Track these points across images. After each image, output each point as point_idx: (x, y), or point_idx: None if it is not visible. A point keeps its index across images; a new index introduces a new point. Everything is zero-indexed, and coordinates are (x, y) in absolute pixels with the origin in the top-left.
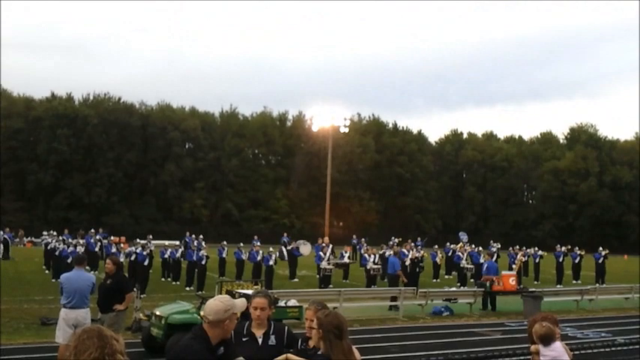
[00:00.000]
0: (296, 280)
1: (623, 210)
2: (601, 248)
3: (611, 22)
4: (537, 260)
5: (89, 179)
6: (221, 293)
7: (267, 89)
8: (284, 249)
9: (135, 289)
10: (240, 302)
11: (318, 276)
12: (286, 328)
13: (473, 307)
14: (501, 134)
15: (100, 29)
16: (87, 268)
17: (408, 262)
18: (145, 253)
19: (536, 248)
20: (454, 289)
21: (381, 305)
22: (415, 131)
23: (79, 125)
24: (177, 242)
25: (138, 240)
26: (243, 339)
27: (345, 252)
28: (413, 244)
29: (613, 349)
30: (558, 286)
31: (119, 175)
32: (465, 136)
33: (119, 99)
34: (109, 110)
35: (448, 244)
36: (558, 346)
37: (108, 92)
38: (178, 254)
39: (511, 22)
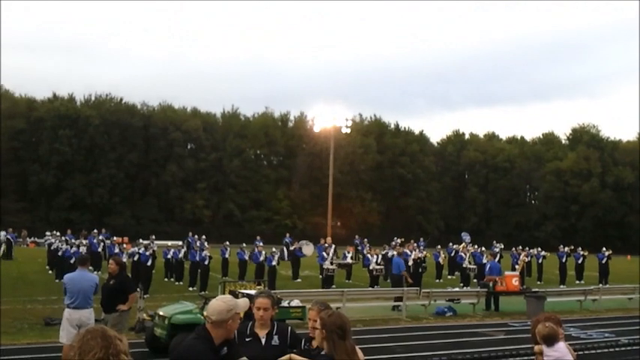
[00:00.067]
0: (299, 280)
1: (626, 211)
2: (604, 249)
3: (613, 22)
4: (540, 261)
5: (91, 180)
6: (224, 293)
7: (268, 90)
8: (285, 249)
9: (138, 290)
10: (243, 302)
11: (320, 276)
12: (289, 328)
13: (476, 307)
14: (503, 135)
15: (101, 30)
16: (90, 268)
17: (410, 263)
18: (147, 253)
19: (539, 249)
20: (457, 289)
21: (384, 305)
22: (417, 132)
23: (80, 126)
24: (180, 243)
25: (141, 240)
26: (247, 339)
27: (348, 252)
28: (415, 244)
29: (616, 349)
30: (561, 286)
31: (121, 175)
32: (466, 136)
33: (121, 100)
34: (111, 111)
35: (451, 244)
36: (562, 346)
37: (109, 93)
38: (181, 255)
39: (512, 23)
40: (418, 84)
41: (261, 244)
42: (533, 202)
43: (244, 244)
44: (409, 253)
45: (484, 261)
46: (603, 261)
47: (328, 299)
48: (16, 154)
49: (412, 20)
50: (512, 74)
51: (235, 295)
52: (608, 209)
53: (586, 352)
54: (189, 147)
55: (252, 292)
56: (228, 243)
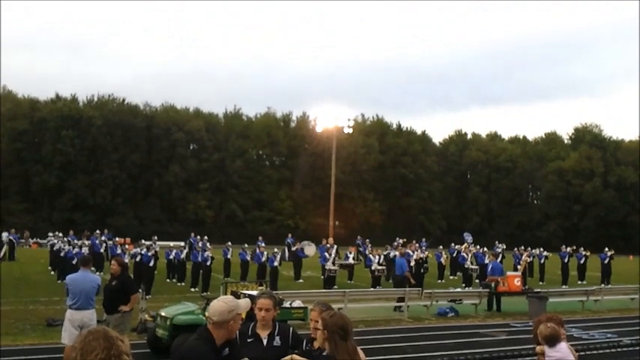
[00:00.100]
0: (301, 281)
1: (628, 210)
2: (607, 249)
3: (616, 22)
4: (542, 261)
5: (93, 180)
6: (226, 294)
7: (270, 90)
8: (286, 250)
9: (140, 290)
10: (244, 303)
11: (322, 277)
12: (291, 329)
13: (478, 307)
14: (505, 134)
15: (103, 30)
16: (92, 269)
17: (412, 263)
18: (150, 254)
19: (542, 249)
20: (459, 290)
21: (386, 306)
22: (419, 132)
23: (83, 126)
24: (182, 243)
25: (143, 241)
26: (248, 340)
27: (350, 253)
28: (417, 244)
29: (619, 349)
30: (564, 286)
31: (123, 176)
32: (469, 136)
33: (123, 100)
34: (114, 111)
35: (453, 244)
36: (564, 346)
37: (112, 93)
38: (183, 255)
39: (514, 22)
40: (420, 84)
41: (264, 244)
42: (535, 201)
43: (246, 245)
44: (411, 253)
45: (486, 261)
46: (606, 261)
47: (330, 300)
48: (19, 154)
49: (413, 20)
50: (514, 74)
51: (237, 295)
52: (610, 209)
53: (588, 352)
54: (191, 147)
55: (254, 292)
56: (230, 243)
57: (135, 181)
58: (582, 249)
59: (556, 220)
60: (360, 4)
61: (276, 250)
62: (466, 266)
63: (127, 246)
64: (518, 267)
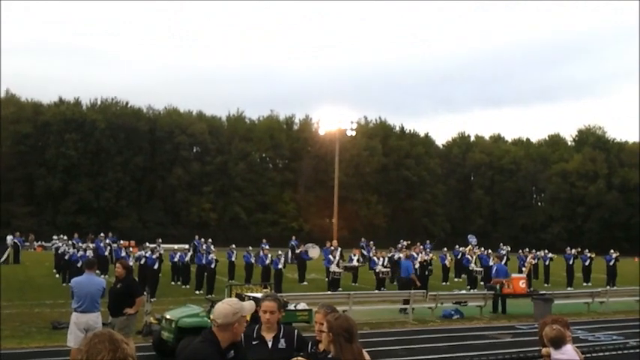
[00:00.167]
0: (305, 283)
1: (632, 212)
2: (612, 250)
3: (619, 23)
4: (547, 263)
5: (97, 184)
6: (230, 296)
7: (273, 93)
8: (290, 252)
9: (145, 293)
10: (249, 305)
11: (327, 279)
12: (296, 331)
13: (483, 310)
14: (509, 136)
15: (107, 34)
16: (97, 272)
17: (417, 266)
18: (154, 256)
19: (546, 251)
20: (464, 292)
21: (390, 308)
22: (422, 134)
23: (86, 130)
24: (187, 246)
25: (147, 244)
26: (253, 342)
27: (354, 255)
28: (422, 247)
29: (624, 351)
30: (569, 288)
31: (127, 179)
32: (472, 138)
33: (127, 103)
34: (117, 115)
35: (457, 246)
36: (569, 349)
37: (115, 97)
38: (187, 258)
39: (517, 24)
40: (423, 86)
41: (268, 247)
42: (539, 203)
43: (250, 247)
44: (416, 255)
45: (490, 263)
46: (611, 263)
47: (334, 302)
48: (23, 158)
49: (415, 22)
50: (517, 75)
51: (242, 298)
52: (614, 211)
53: (594, 354)
54: (194, 150)
55: (259, 295)
56: (234, 246)
57: (138, 184)
58: (587, 251)
59: (560, 222)
60: (363, 6)
61: (280, 252)
62: (471, 268)
63: (131, 249)
64: (523, 269)
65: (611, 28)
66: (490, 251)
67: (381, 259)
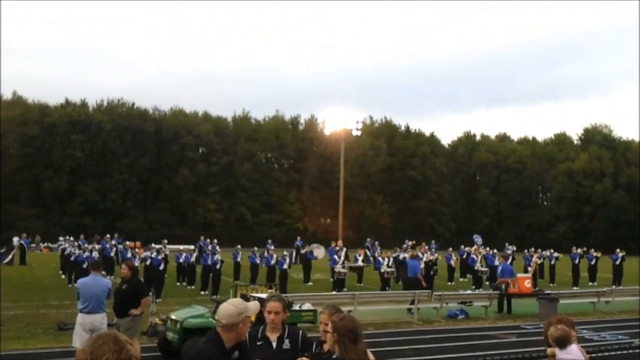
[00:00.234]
0: (310, 283)
1: (639, 211)
2: (618, 250)
3: (619, 23)
4: (553, 262)
5: (103, 185)
6: (236, 297)
7: (279, 93)
8: (295, 253)
9: (150, 294)
10: (253, 305)
11: (331, 279)
12: (300, 331)
13: (488, 310)
14: (515, 136)
15: (113, 35)
16: (103, 273)
17: (422, 265)
18: (160, 257)
19: (552, 250)
20: (469, 292)
21: (395, 308)
22: (428, 133)
23: (93, 131)
24: (192, 247)
25: (153, 245)
26: (258, 343)
27: (359, 255)
28: (427, 246)
29: (630, 351)
30: (574, 288)
31: (133, 180)
32: (477, 137)
33: (133, 104)
34: (123, 116)
35: (462, 246)
36: (574, 348)
37: (121, 98)
38: (193, 259)
39: (517, 24)
40: (428, 85)
41: (273, 247)
42: (545, 203)
43: (256, 248)
44: (421, 255)
45: (496, 263)
46: (617, 262)
47: (339, 302)
48: (30, 159)
49: (415, 22)
50: (517, 75)
51: (246, 298)
52: (620, 210)
53: (599, 354)
54: (200, 151)
55: (264, 295)
56: (239, 246)
57: (144, 185)
58: (593, 250)
59: (566, 222)
60: (361, 5)
61: (285, 252)
62: (476, 268)
63: (137, 250)
64: (529, 269)
65: (611, 28)
66: (495, 251)
67: (386, 259)
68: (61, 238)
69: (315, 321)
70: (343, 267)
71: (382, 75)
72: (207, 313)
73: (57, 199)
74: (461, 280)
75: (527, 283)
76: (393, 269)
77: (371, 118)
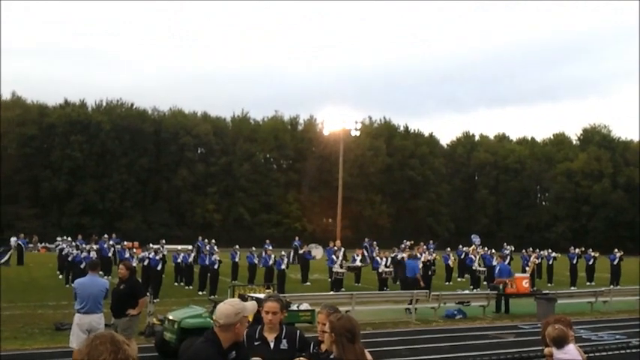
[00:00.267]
0: (308, 283)
1: (637, 211)
2: (616, 250)
3: (619, 23)
4: (551, 262)
5: (102, 185)
6: (233, 297)
7: (278, 93)
8: (293, 253)
9: (148, 294)
10: (251, 305)
11: (330, 279)
12: (298, 332)
13: (486, 309)
14: (514, 136)
15: (113, 35)
16: (100, 273)
17: (420, 266)
18: (157, 257)
19: (550, 250)
20: (467, 292)
21: (393, 308)
22: (426, 134)
23: (92, 131)
24: (190, 247)
25: (151, 245)
26: (255, 343)
27: (357, 255)
28: (425, 247)
29: (627, 351)
30: (572, 288)
31: (132, 180)
32: (476, 138)
33: (132, 105)
34: (122, 116)
35: (460, 246)
36: (572, 348)
37: (120, 98)
38: (191, 259)
39: (517, 24)
40: (428, 85)
41: (271, 247)
42: (543, 203)
43: (254, 248)
44: (419, 255)
45: (494, 263)
46: (615, 262)
47: (337, 302)
48: (29, 160)
49: (421, 21)
50: (517, 75)
51: (244, 298)
52: (619, 210)
53: (597, 354)
54: (199, 151)
55: (262, 295)
56: (238, 247)
57: (143, 185)
58: (591, 250)
59: (565, 222)
60: (361, 5)
61: (283, 253)
62: (474, 268)
63: (134, 250)
64: (527, 268)
65: (611, 28)
66: (493, 251)
67: (384, 259)
68: (58, 239)
69: (312, 321)
70: (341, 267)
71: (382, 75)
72: (205, 313)
73: (56, 200)
74: (459, 280)
75: (525, 283)
76: (391, 269)
77: (370, 118)
